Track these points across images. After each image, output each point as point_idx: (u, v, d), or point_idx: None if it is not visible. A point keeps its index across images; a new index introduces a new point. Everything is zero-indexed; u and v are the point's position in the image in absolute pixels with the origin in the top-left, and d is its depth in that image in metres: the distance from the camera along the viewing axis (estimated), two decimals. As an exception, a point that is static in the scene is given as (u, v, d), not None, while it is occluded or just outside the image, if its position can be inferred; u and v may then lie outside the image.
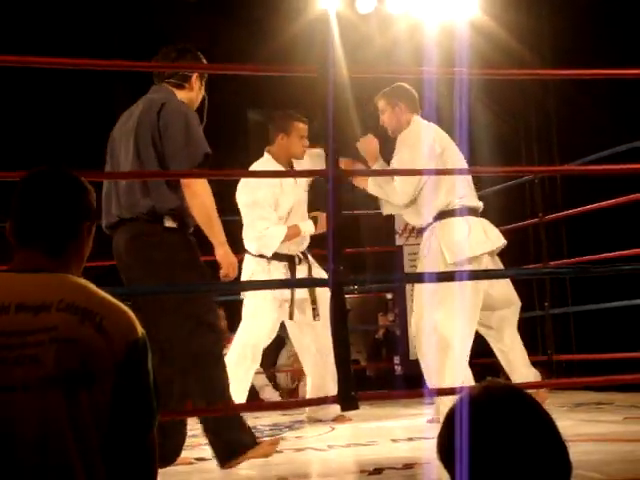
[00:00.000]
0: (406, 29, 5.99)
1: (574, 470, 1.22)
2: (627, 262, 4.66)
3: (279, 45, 5.54)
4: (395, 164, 4.07)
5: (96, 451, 1.41)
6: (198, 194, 3.04)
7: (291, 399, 6.02)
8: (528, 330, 6.18)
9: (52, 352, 1.40)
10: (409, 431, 3.87)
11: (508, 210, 5.97)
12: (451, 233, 3.98)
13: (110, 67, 3.62)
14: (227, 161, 4.18)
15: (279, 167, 4.36)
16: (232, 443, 3.03)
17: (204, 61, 3.30)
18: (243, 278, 4.26)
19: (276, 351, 6.26)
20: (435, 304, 3.92)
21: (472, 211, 4.10)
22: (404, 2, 6.06)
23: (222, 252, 3.10)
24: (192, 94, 3.27)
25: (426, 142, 4.08)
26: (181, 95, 3.23)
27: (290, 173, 3.04)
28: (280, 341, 6.33)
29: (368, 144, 4.15)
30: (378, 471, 2.86)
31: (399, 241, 6.08)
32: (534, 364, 5.89)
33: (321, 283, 3.12)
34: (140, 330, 1.50)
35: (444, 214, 4.03)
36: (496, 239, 4.08)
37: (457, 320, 3.88)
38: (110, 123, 3.30)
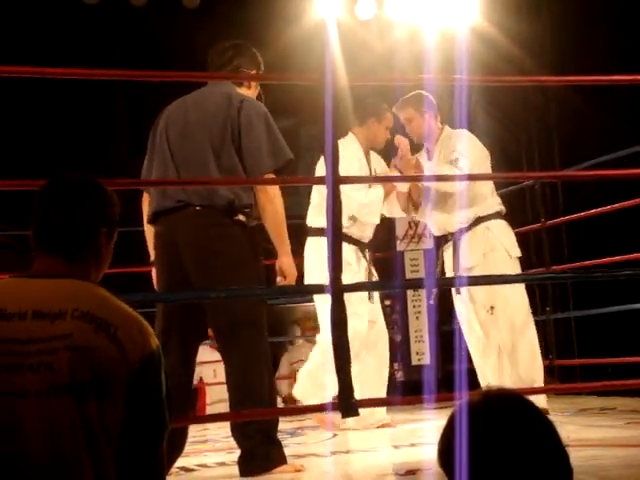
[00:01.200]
0: (406, 35, 6.00)
1: (576, 475, 1.22)
2: (629, 267, 4.67)
3: (279, 51, 5.53)
4: (462, 160, 4.14)
5: (106, 460, 1.42)
6: (273, 200, 3.01)
7: (292, 406, 6.02)
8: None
9: (66, 360, 1.42)
10: (411, 437, 3.86)
11: (509, 215, 5.96)
12: (508, 231, 4.28)
13: (116, 76, 3.59)
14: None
15: (360, 149, 4.40)
16: (259, 457, 2.93)
17: (259, 59, 3.26)
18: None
19: (276, 358, 6.25)
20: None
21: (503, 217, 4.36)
22: (404, 8, 6.06)
23: (287, 262, 3.06)
24: (249, 92, 3.23)
25: (479, 144, 4.30)
26: (240, 92, 3.17)
27: (290, 180, 3.04)
28: (281, 347, 6.32)
29: (406, 161, 4.20)
30: (381, 478, 2.85)
31: (400, 247, 6.08)
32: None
33: (321, 290, 3.10)
34: (155, 342, 1.51)
35: (487, 217, 4.25)
36: None
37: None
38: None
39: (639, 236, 4.94)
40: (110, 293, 1.55)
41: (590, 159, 5.12)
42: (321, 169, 4.25)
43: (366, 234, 4.41)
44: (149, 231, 3.17)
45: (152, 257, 3.18)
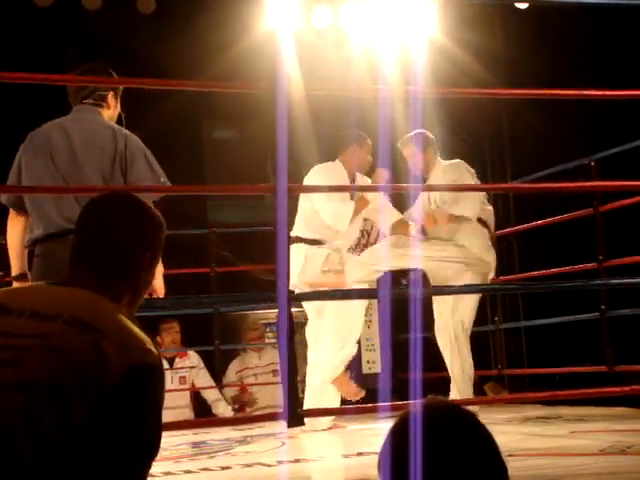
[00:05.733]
0: (363, 46, 6.03)
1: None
2: (578, 277, 4.75)
3: (234, 58, 5.53)
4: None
5: (55, 465, 1.35)
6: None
7: (241, 414, 6.00)
8: (479, 344, 6.24)
9: (37, 358, 1.39)
10: (359, 446, 3.86)
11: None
12: None
13: (69, 81, 3.52)
14: (183, 174, 4.14)
15: (345, 172, 4.62)
16: None
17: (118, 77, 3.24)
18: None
19: (225, 366, 6.21)
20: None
21: None
22: (360, 18, 6.09)
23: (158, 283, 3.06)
24: (110, 112, 3.23)
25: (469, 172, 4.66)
26: (105, 115, 3.20)
27: (237, 188, 3.03)
28: (230, 355, 6.30)
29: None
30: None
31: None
32: (485, 378, 5.98)
33: (269, 298, 3.10)
34: (150, 360, 1.44)
35: None
36: None
37: None
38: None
39: (588, 246, 5.02)
40: (125, 316, 1.50)
41: (541, 169, 5.19)
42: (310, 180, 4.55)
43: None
44: (20, 251, 3.14)
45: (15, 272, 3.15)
